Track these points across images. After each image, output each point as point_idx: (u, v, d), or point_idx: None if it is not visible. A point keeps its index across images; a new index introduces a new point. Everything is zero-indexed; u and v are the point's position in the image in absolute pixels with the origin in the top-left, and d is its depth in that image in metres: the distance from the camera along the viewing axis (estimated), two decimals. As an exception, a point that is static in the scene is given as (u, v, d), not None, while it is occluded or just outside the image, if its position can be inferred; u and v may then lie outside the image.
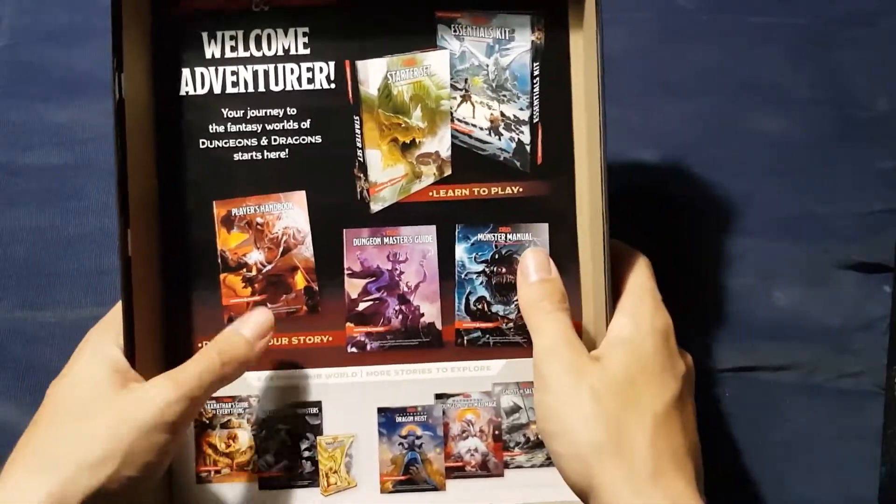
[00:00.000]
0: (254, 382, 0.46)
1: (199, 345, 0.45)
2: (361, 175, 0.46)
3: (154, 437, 0.37)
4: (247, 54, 0.46)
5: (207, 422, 0.46)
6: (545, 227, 0.46)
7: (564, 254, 0.46)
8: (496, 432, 0.46)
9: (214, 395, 0.45)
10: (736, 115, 0.55)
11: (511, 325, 0.46)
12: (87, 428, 0.38)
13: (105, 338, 0.42)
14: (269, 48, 0.46)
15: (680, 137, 0.55)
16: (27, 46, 0.54)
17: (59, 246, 0.53)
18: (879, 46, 0.56)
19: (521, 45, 0.46)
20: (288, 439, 0.46)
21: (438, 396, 0.46)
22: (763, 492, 0.53)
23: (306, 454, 0.46)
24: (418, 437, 0.46)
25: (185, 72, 0.46)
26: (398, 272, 0.46)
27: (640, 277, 0.41)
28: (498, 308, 0.46)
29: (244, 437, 0.46)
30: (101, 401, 0.39)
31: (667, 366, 0.39)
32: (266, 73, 0.46)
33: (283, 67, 0.46)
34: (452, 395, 0.46)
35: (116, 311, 0.43)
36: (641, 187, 0.54)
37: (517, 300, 0.45)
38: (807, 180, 0.55)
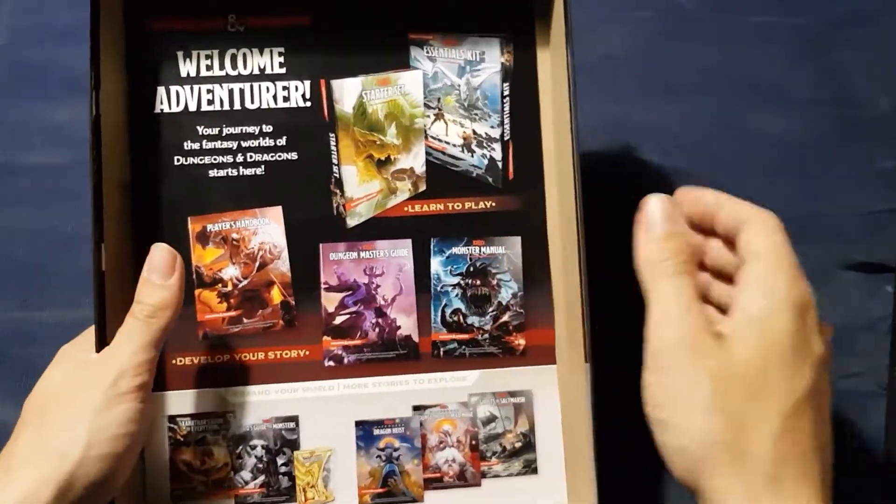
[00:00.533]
0: (229, 398, 0.45)
1: (174, 361, 0.45)
2: (337, 191, 0.47)
3: (112, 413, 0.38)
4: (222, 73, 0.47)
5: (182, 439, 0.45)
6: (518, 240, 0.47)
7: (536, 265, 0.47)
8: (473, 442, 0.46)
9: (189, 412, 0.45)
10: (736, 115, 0.56)
11: (486, 336, 0.47)
12: (49, 420, 0.38)
13: (72, 349, 0.42)
14: (245, 67, 0.47)
15: (680, 137, 0.55)
16: (27, 46, 0.54)
17: (59, 246, 0.52)
18: (879, 46, 0.57)
19: (491, 66, 0.48)
20: (264, 455, 0.45)
21: (416, 408, 0.46)
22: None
23: (283, 469, 0.45)
24: (396, 450, 0.46)
25: (161, 90, 0.46)
26: (375, 286, 0.47)
27: (771, 239, 0.35)
28: (473, 319, 0.47)
29: (220, 454, 0.45)
30: (60, 395, 0.39)
31: (803, 351, 0.33)
32: (242, 91, 0.46)
33: (259, 86, 0.47)
34: (429, 407, 0.46)
35: (90, 329, 0.43)
36: (641, 187, 0.54)
37: (493, 311, 0.47)
38: (807, 180, 0.55)
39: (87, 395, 0.38)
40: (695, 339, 0.34)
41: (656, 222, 0.37)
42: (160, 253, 0.41)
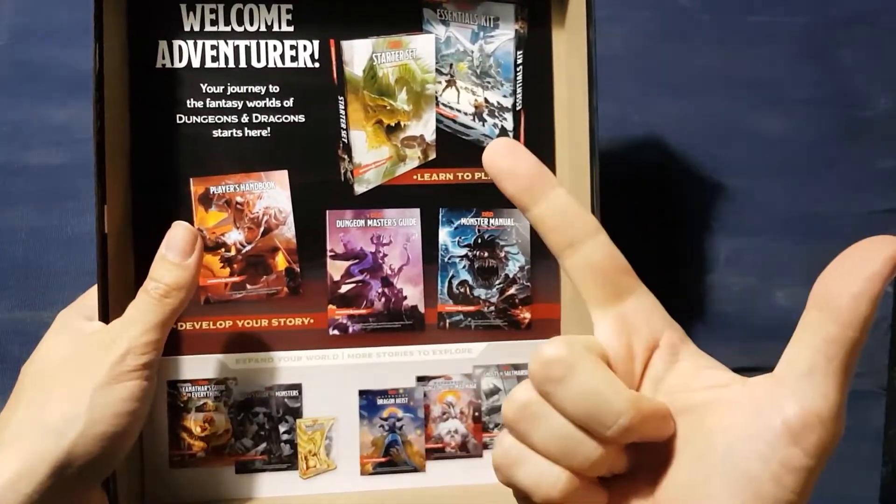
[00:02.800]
0: (231, 365, 0.45)
1: (175, 326, 0.44)
2: (345, 156, 0.45)
3: (115, 390, 0.37)
4: (227, 28, 0.45)
5: (182, 405, 0.44)
6: (526, 213, 0.47)
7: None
8: (476, 414, 0.46)
9: (190, 377, 0.44)
10: (736, 115, 0.56)
11: (492, 308, 0.47)
12: (48, 394, 0.37)
13: (71, 313, 0.41)
14: (251, 23, 0.45)
15: (680, 137, 0.55)
16: (27, 46, 0.53)
17: (59, 246, 0.52)
18: (879, 46, 0.57)
19: (504, 33, 0.46)
20: (266, 422, 0.45)
21: (420, 379, 0.46)
22: (763, 492, 0.54)
23: (285, 437, 0.45)
24: (399, 420, 0.46)
25: (162, 44, 0.44)
26: (382, 255, 0.46)
27: None
28: (480, 292, 0.47)
29: (221, 421, 0.45)
30: (62, 367, 0.38)
31: None
32: (248, 48, 0.45)
33: (266, 44, 0.45)
34: (433, 378, 0.46)
35: (88, 293, 0.42)
36: (641, 187, 0.55)
37: (500, 284, 0.47)
38: (807, 180, 0.56)
39: (90, 370, 0.37)
40: None
41: None
42: (180, 231, 0.40)
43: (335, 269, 0.46)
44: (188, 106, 0.44)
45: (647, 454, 0.29)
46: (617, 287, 0.30)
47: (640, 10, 0.56)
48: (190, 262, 0.39)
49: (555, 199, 0.30)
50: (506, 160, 0.31)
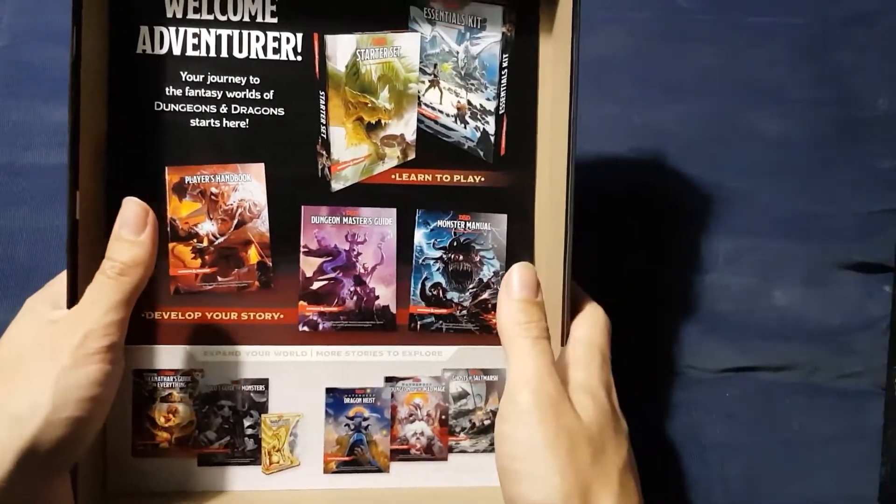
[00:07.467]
0: (199, 356, 0.44)
1: (143, 315, 0.44)
2: (324, 152, 0.45)
3: (79, 375, 0.36)
4: (210, 17, 0.44)
5: (147, 394, 0.44)
6: (504, 217, 0.46)
7: (521, 246, 0.46)
8: (443, 417, 0.46)
9: (156, 367, 0.44)
10: (736, 115, 0.56)
11: (464, 312, 0.46)
12: (11, 382, 0.36)
13: (37, 300, 0.41)
14: (235, 13, 0.44)
15: (680, 137, 0.55)
16: (27, 46, 0.53)
17: (59, 246, 0.51)
18: (879, 46, 0.57)
19: (491, 35, 0.46)
20: (231, 415, 0.45)
21: (388, 379, 0.46)
22: (763, 492, 0.54)
23: (249, 432, 0.45)
24: (365, 419, 0.46)
25: (143, 29, 0.44)
26: (356, 253, 0.46)
27: (593, 332, 0.41)
28: (453, 295, 0.46)
29: (185, 412, 0.44)
30: (25, 354, 0.37)
31: (619, 422, 0.39)
32: (230, 38, 0.44)
33: (249, 34, 0.44)
34: (402, 379, 0.46)
35: (55, 279, 0.42)
36: (641, 187, 0.55)
37: (473, 288, 0.46)
38: (807, 180, 0.55)
39: (52, 355, 0.36)
40: (557, 403, 0.37)
41: (515, 288, 0.40)
42: (131, 207, 0.40)
43: (308, 265, 0.45)
44: (167, 93, 0.44)
45: None
46: None
47: (640, 10, 0.56)
48: (144, 238, 0.39)
49: None
50: None
